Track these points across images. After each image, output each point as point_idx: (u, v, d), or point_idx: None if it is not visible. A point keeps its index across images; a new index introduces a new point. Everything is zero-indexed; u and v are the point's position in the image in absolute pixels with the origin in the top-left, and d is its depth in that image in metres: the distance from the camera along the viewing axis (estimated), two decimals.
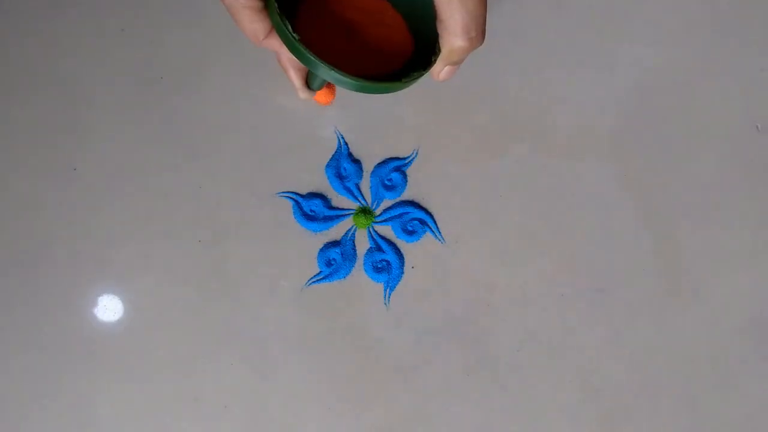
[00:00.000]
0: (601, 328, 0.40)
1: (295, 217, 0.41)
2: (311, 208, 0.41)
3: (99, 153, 0.41)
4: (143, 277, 0.40)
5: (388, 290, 0.40)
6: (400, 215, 0.41)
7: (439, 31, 0.29)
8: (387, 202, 0.41)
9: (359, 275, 0.40)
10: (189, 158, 0.41)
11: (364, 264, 0.41)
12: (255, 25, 0.30)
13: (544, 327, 0.40)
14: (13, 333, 0.39)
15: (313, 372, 0.39)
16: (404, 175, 0.41)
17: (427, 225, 0.41)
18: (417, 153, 0.42)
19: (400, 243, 0.41)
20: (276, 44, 0.31)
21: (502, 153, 0.42)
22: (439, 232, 0.41)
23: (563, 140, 0.42)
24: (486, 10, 0.29)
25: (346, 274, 0.40)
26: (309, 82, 0.35)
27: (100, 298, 0.40)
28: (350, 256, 0.41)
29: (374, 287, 0.40)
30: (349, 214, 0.41)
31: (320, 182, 0.41)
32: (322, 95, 0.40)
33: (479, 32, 0.29)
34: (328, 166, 0.41)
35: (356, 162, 0.41)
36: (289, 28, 0.28)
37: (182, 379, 0.39)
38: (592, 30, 0.42)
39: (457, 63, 0.30)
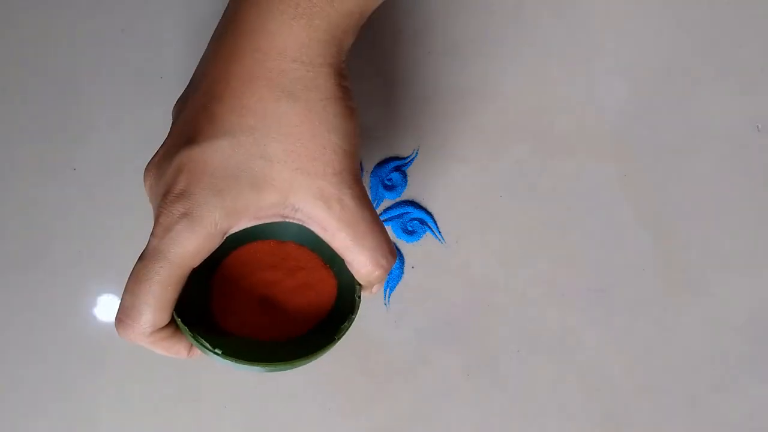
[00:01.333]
0: (601, 328, 0.40)
1: None
2: None
3: (99, 153, 0.41)
4: None
5: (388, 290, 0.40)
6: (400, 215, 0.41)
7: (350, 269, 0.29)
8: (387, 202, 0.41)
9: None
10: None
11: None
12: (175, 347, 0.29)
13: (544, 327, 0.40)
14: (13, 333, 0.39)
15: (313, 372, 0.39)
16: (404, 175, 0.41)
17: (427, 225, 0.41)
18: (417, 153, 0.42)
19: (400, 243, 0.41)
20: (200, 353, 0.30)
21: (502, 153, 0.42)
22: (439, 232, 0.41)
23: (563, 140, 0.42)
24: (385, 235, 0.28)
25: None
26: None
27: (100, 298, 0.40)
28: None
29: None
30: None
31: None
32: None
33: (387, 256, 0.28)
34: None
35: None
36: (208, 345, 0.27)
37: (182, 379, 0.39)
38: (592, 30, 0.42)
39: (381, 283, 0.30)
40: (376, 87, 0.42)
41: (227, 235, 0.27)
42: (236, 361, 0.27)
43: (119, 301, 0.28)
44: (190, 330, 0.27)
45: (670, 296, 0.41)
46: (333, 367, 0.39)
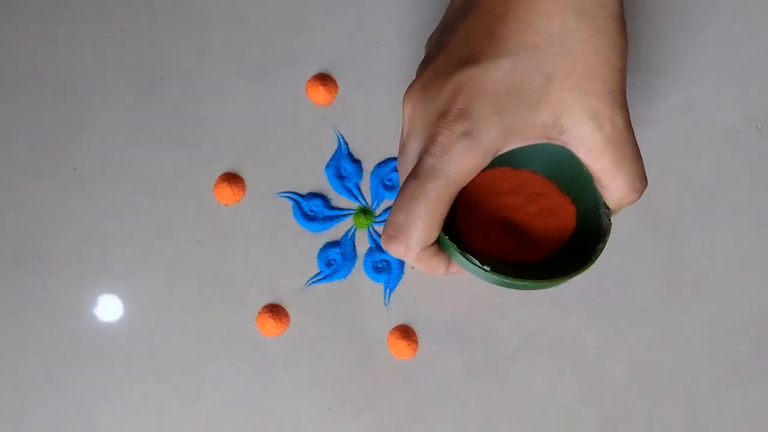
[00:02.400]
0: (601, 328, 0.40)
1: (295, 217, 0.41)
2: (311, 208, 0.41)
3: (99, 153, 0.41)
4: (143, 277, 0.40)
5: (388, 290, 0.40)
6: None
7: (601, 191, 0.29)
8: (387, 202, 0.41)
9: (359, 275, 0.40)
10: (189, 158, 0.41)
11: (364, 264, 0.40)
12: (436, 266, 0.30)
13: (544, 327, 0.40)
14: (13, 333, 0.39)
15: (313, 372, 0.39)
16: None
17: None
18: None
19: None
20: (458, 269, 0.31)
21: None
22: None
23: None
24: (641, 160, 0.29)
25: (346, 274, 0.40)
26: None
27: (100, 298, 0.40)
28: (350, 256, 0.41)
29: (374, 287, 0.40)
30: (349, 214, 0.41)
31: (320, 182, 0.41)
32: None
33: (643, 181, 0.29)
34: (328, 166, 0.41)
35: (356, 162, 0.41)
36: (478, 263, 0.28)
37: (182, 379, 0.39)
38: None
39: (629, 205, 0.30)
40: (377, 87, 0.42)
41: (498, 153, 0.27)
42: (504, 278, 0.27)
43: (389, 218, 0.29)
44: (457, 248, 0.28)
45: (670, 296, 0.41)
46: (333, 367, 0.39)
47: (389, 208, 0.41)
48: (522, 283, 0.28)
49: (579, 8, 0.26)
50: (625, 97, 0.28)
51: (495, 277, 0.28)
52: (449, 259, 0.31)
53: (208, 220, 0.41)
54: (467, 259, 0.28)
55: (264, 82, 0.42)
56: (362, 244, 0.41)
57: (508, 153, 0.29)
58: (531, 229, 0.30)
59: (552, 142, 0.28)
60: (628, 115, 0.28)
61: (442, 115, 0.27)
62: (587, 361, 0.40)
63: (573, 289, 0.41)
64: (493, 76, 0.26)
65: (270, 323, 0.39)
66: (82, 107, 0.41)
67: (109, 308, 0.40)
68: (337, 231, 0.41)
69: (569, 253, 0.30)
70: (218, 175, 0.41)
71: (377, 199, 0.41)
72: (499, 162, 0.30)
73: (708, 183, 0.42)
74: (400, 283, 0.40)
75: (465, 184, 0.28)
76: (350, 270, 0.40)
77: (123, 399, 0.39)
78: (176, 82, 0.42)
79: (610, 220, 0.30)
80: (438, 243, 0.29)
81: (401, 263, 0.41)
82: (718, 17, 0.43)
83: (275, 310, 0.39)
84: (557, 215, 0.30)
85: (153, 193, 0.41)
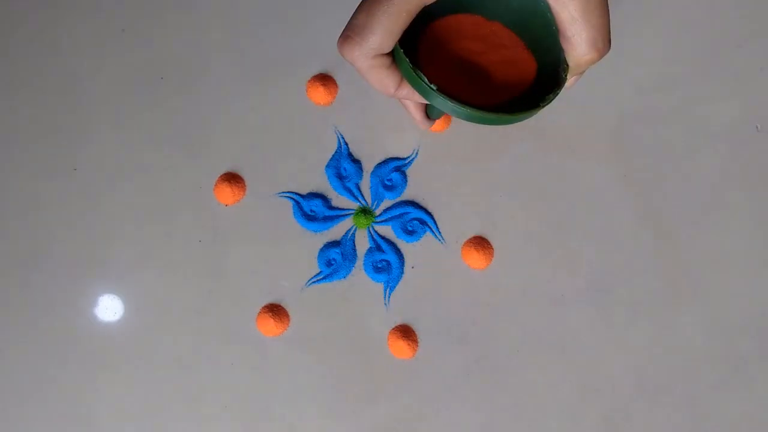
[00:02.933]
0: (601, 328, 0.40)
1: (295, 217, 0.41)
2: (311, 208, 0.41)
3: (99, 153, 0.41)
4: (143, 277, 0.40)
5: (388, 290, 0.40)
6: (400, 215, 0.41)
7: (564, 46, 0.29)
8: (387, 202, 0.41)
9: (359, 275, 0.40)
10: (189, 158, 0.41)
11: (364, 264, 0.40)
12: (387, 80, 0.30)
13: (545, 327, 0.40)
14: (13, 333, 0.39)
15: (313, 372, 0.39)
16: (404, 175, 0.41)
17: (427, 225, 0.41)
18: (417, 153, 0.42)
19: (400, 243, 0.41)
20: (407, 93, 0.31)
21: (502, 153, 0.42)
22: (439, 232, 0.41)
23: (563, 140, 0.42)
24: (609, 19, 0.29)
25: (346, 274, 0.40)
26: (429, 113, 0.36)
27: (100, 298, 0.40)
28: (350, 256, 0.41)
29: (374, 287, 0.40)
30: (349, 214, 0.41)
31: (320, 182, 0.41)
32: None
33: (605, 42, 0.29)
34: (328, 166, 0.41)
35: (356, 162, 0.41)
36: (425, 80, 0.28)
37: (182, 379, 0.39)
38: None
39: (582, 72, 0.30)
40: None
41: None
42: (448, 100, 0.28)
43: (350, 19, 0.29)
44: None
45: (670, 296, 0.41)
46: (333, 367, 0.39)
47: (389, 208, 0.41)
48: (462, 109, 0.28)
49: None
50: None
51: (440, 98, 0.28)
52: (401, 78, 0.30)
53: (208, 220, 0.41)
54: (417, 75, 0.28)
55: (264, 83, 0.42)
56: (362, 244, 0.41)
57: (483, 2, 0.30)
58: (490, 76, 0.31)
59: None
60: None
61: None
62: (587, 361, 0.40)
63: (573, 289, 0.41)
64: None
65: (270, 323, 0.39)
66: (82, 107, 0.41)
67: (109, 308, 0.40)
68: (337, 231, 0.41)
69: (523, 103, 0.31)
70: (218, 175, 0.41)
71: (377, 199, 0.41)
72: (473, 9, 0.30)
73: (708, 183, 0.42)
74: (400, 283, 0.40)
75: (426, 2, 0.28)
76: (350, 270, 0.40)
77: (123, 399, 0.39)
78: (176, 82, 0.42)
79: (566, 76, 0.30)
80: (392, 57, 0.29)
81: (401, 263, 0.41)
82: (719, 17, 0.43)
83: (275, 310, 0.39)
84: (518, 67, 0.31)
85: (153, 193, 0.41)
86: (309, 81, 0.42)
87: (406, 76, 0.29)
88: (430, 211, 0.41)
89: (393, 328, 0.40)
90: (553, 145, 0.42)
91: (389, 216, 0.41)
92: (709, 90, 0.43)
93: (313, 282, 0.40)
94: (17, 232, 0.40)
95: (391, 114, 0.42)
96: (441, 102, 0.28)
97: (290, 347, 0.40)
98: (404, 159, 0.42)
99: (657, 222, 0.41)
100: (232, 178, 0.41)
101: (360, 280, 0.40)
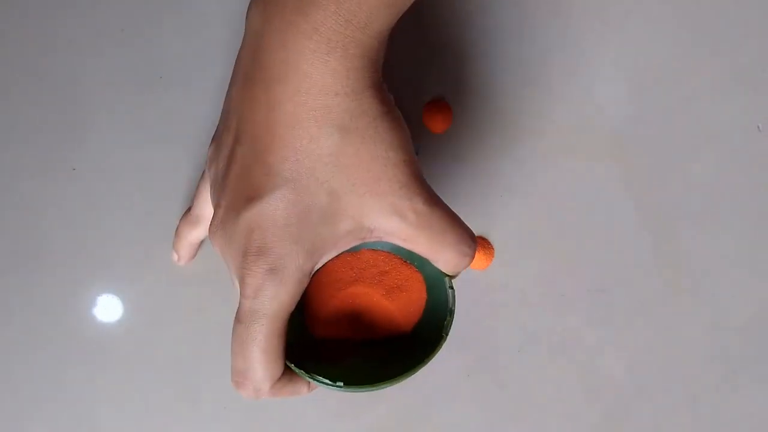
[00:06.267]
0: (601, 328, 0.40)
1: None
2: None
3: (99, 153, 0.41)
4: (143, 277, 0.40)
5: None
6: None
7: (437, 266, 0.29)
8: None
9: None
10: (189, 158, 0.41)
11: None
12: (296, 390, 0.30)
13: (544, 327, 0.40)
14: (13, 333, 0.39)
15: None
16: None
17: None
18: (417, 153, 0.42)
19: None
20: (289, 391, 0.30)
21: (502, 153, 0.42)
22: None
23: (563, 140, 0.42)
24: (461, 222, 0.29)
25: None
26: None
27: (100, 298, 0.40)
28: None
29: None
30: None
31: None
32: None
33: (470, 244, 0.29)
34: None
35: None
36: (329, 382, 0.28)
37: (182, 379, 0.39)
38: (592, 29, 0.42)
39: (467, 267, 0.30)
40: None
41: (313, 272, 0.28)
42: (359, 389, 0.28)
43: (231, 365, 0.29)
44: (301, 369, 0.28)
45: (670, 296, 0.41)
46: None
47: None
48: (375, 388, 0.28)
49: (340, 125, 0.26)
50: (420, 179, 0.28)
51: (350, 390, 0.28)
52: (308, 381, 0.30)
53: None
54: (316, 380, 0.28)
55: None
56: None
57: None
58: (385, 310, 0.30)
59: (367, 241, 0.28)
60: (430, 193, 0.28)
61: (244, 255, 0.27)
62: (587, 361, 0.40)
63: (573, 288, 0.41)
64: (278, 207, 0.26)
65: None
66: (82, 107, 0.41)
67: (109, 308, 0.40)
68: None
69: (427, 323, 0.30)
70: None
71: None
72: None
73: (708, 183, 0.42)
74: None
75: (290, 311, 0.27)
76: None
77: (123, 399, 0.39)
78: (176, 82, 0.42)
79: (453, 288, 0.29)
80: (290, 369, 0.29)
81: None
82: (719, 17, 0.43)
83: None
84: (407, 289, 0.30)
85: (153, 193, 0.41)
86: None
87: (312, 382, 0.29)
88: None
89: None
90: (553, 145, 0.42)
91: None
92: (710, 90, 0.43)
93: None
94: (17, 232, 0.40)
95: None
96: (353, 392, 0.28)
97: None
98: None
99: (657, 222, 0.41)
100: None
101: None
